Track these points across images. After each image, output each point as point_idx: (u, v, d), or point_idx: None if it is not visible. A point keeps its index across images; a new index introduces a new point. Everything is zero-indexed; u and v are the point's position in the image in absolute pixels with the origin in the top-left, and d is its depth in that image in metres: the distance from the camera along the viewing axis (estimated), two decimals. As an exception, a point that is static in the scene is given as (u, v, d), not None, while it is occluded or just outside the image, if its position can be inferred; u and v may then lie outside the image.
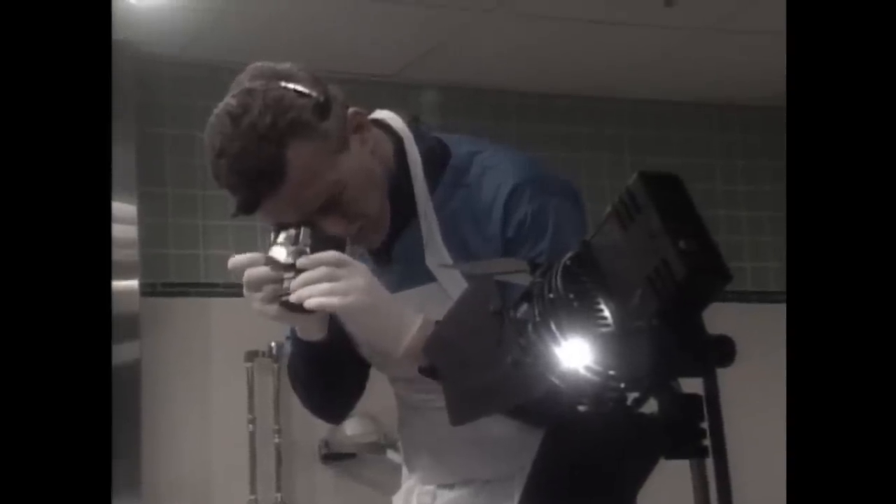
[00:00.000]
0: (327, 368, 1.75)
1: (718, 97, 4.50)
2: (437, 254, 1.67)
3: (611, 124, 4.51)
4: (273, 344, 3.88)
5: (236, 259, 1.62)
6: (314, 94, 1.60)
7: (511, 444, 1.67)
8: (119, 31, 3.58)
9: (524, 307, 1.04)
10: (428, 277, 1.67)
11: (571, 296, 1.01)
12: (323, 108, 1.60)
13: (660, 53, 4.10)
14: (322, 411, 1.89)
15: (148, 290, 3.84)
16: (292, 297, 1.55)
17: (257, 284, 1.59)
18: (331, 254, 1.58)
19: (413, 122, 1.75)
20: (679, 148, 4.50)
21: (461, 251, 1.66)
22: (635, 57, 4.12)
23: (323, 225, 1.62)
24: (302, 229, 1.60)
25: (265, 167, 1.56)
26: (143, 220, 3.81)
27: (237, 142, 1.56)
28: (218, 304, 3.85)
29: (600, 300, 1.00)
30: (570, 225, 1.66)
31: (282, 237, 1.60)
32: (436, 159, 1.70)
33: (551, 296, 1.01)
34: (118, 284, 3.64)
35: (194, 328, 3.90)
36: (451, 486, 1.78)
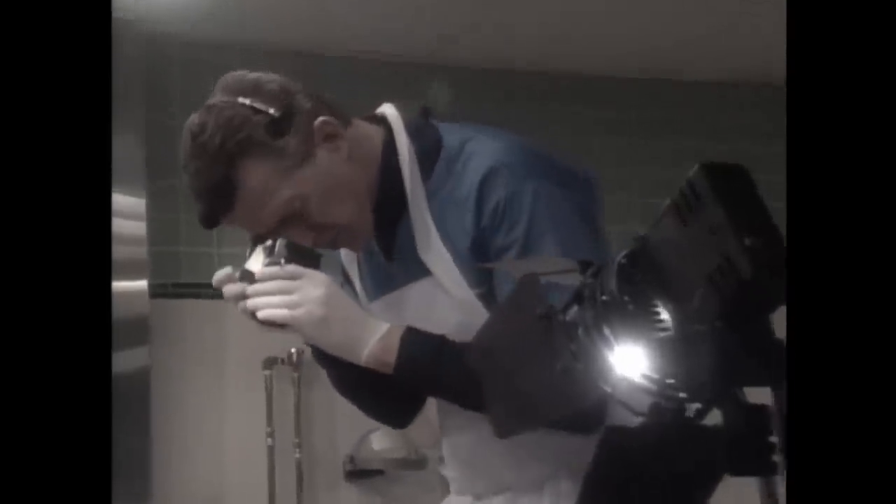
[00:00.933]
0: (362, 381, 1.82)
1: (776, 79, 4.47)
2: (428, 248, 1.74)
3: (663, 108, 4.50)
4: (293, 350, 3.91)
5: (216, 276, 1.78)
6: (271, 110, 1.71)
7: (545, 450, 1.74)
8: (122, 9, 3.60)
9: (574, 310, 1.05)
10: (424, 272, 1.76)
11: (626, 297, 1.01)
12: (278, 125, 1.71)
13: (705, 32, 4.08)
14: (381, 419, 2.00)
15: (158, 292, 3.87)
16: (247, 305, 1.71)
17: (234, 299, 1.76)
18: (289, 267, 1.70)
19: (421, 114, 1.83)
20: (734, 133, 4.48)
21: (448, 244, 1.73)
22: (685, 35, 4.11)
23: (289, 237, 1.75)
24: (278, 241, 1.72)
25: (218, 187, 1.70)
26: (152, 216, 3.84)
27: (193, 161, 1.72)
28: (233, 308, 3.87)
29: (657, 302, 1.01)
30: (554, 212, 1.69)
31: (259, 249, 1.74)
32: (430, 151, 1.78)
33: (604, 297, 1.02)
34: (125, 285, 3.67)
35: (208, 332, 3.92)
36: (483, 497, 1.84)
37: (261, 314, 1.71)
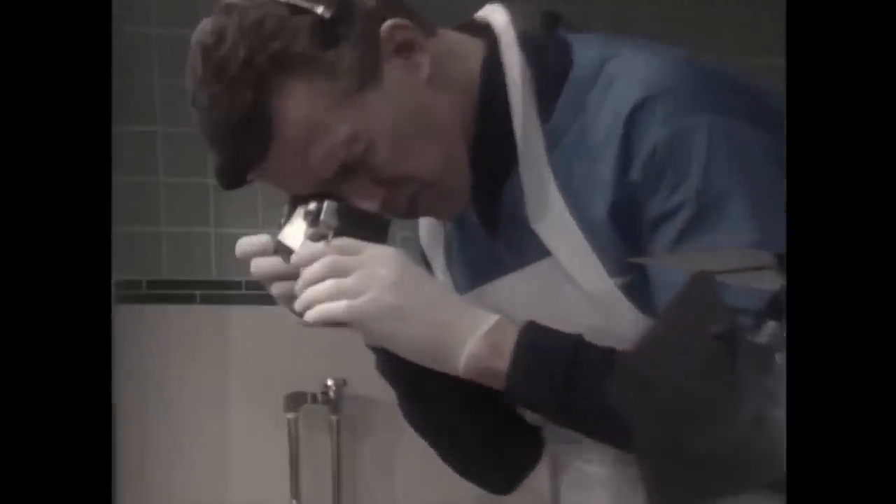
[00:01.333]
0: (454, 405, 1.87)
1: None
2: (546, 216, 1.76)
3: None
4: (330, 382, 3.93)
5: (242, 243, 1.80)
6: (318, 8, 1.72)
7: None
8: None
9: (770, 327, 1.06)
10: (540, 252, 1.77)
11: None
12: (330, 30, 1.72)
13: None
14: (478, 477, 2.02)
15: (126, 294, 3.90)
16: (297, 306, 1.74)
17: (267, 280, 1.79)
18: (339, 241, 1.72)
19: (544, 22, 1.85)
20: None
21: (577, 211, 1.74)
22: None
23: (348, 197, 1.76)
24: (325, 205, 1.74)
25: (244, 124, 1.71)
26: (118, 178, 3.84)
27: (207, 88, 1.73)
28: (240, 317, 3.94)
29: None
30: (742, 162, 1.69)
31: (297, 214, 1.76)
32: (554, 75, 1.79)
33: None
34: (80, 283, 3.70)
35: (203, 355, 3.97)
36: None
37: (310, 315, 1.73)
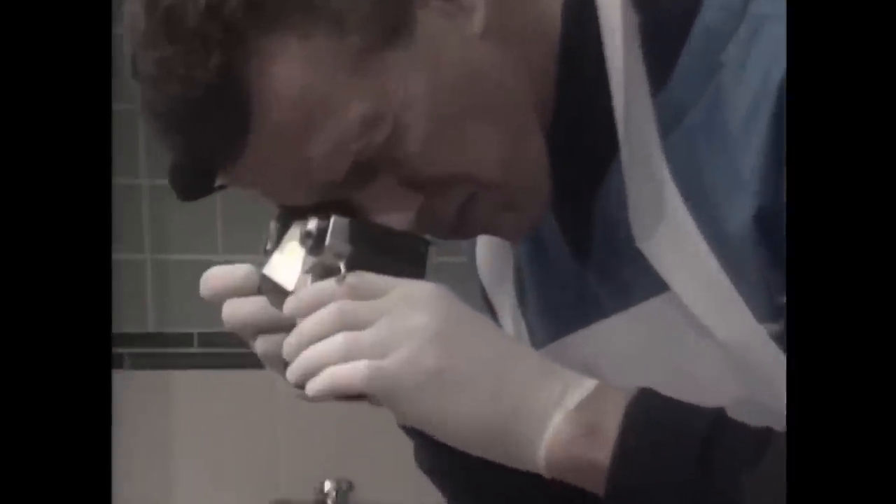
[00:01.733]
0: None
1: None
2: (659, 228, 1.73)
3: None
4: (330, 485, 3.95)
5: (213, 275, 1.74)
6: None
7: None
8: None
9: None
10: (651, 285, 1.75)
11: None
12: None
13: None
14: None
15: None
16: (290, 373, 1.66)
17: (250, 331, 1.73)
18: (355, 279, 1.67)
19: None
20: None
21: (706, 223, 1.70)
22: None
23: (366, 209, 1.73)
24: (331, 222, 1.70)
25: (209, 101, 1.66)
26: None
27: (153, 49, 1.67)
28: (191, 387, 3.95)
29: None
30: None
31: (293, 235, 1.72)
32: (670, 19, 1.76)
33: None
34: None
35: (137, 442, 3.93)
36: None
37: (313, 386, 1.64)
